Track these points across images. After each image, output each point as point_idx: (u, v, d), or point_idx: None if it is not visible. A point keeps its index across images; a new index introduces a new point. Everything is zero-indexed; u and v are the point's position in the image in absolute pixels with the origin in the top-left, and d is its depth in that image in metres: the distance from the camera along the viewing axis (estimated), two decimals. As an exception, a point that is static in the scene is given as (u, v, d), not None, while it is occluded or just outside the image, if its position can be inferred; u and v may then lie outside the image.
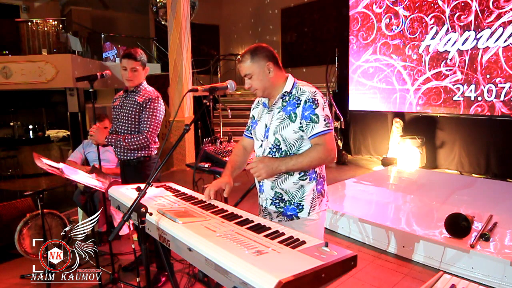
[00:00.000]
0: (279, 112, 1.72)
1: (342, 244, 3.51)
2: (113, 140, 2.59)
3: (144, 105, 2.63)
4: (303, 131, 1.66)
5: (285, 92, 1.73)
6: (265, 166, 1.61)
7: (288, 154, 1.70)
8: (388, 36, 7.00)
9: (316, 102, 1.65)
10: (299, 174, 1.70)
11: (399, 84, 6.89)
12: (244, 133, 2.01)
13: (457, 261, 2.87)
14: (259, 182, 1.81)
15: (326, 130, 1.65)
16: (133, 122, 2.65)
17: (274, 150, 1.73)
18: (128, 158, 2.69)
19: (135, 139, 2.59)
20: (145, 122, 2.62)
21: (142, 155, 2.68)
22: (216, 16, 11.97)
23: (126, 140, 2.58)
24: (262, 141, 1.80)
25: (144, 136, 2.60)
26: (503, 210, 3.72)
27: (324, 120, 1.65)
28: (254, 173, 1.62)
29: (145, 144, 2.62)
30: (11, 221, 3.29)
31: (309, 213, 1.72)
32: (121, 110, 2.69)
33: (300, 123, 1.66)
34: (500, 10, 5.47)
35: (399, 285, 2.79)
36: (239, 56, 1.75)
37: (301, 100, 1.67)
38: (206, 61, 10.02)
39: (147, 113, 2.63)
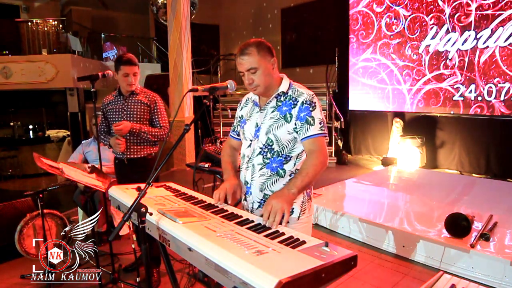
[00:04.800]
0: (273, 111, 1.68)
1: (342, 244, 3.51)
2: (137, 130, 2.69)
3: (152, 105, 2.81)
4: (297, 132, 1.63)
5: (281, 91, 1.69)
6: (277, 200, 1.47)
7: (281, 154, 1.66)
8: (388, 36, 7.00)
9: (313, 104, 1.64)
10: (290, 175, 1.66)
11: (399, 84, 6.89)
12: (230, 134, 1.95)
13: (457, 261, 2.87)
14: (246, 184, 1.74)
15: (321, 133, 1.63)
16: (143, 122, 2.77)
17: (266, 150, 1.67)
18: (134, 156, 2.76)
19: (159, 132, 2.77)
20: (160, 119, 2.83)
21: (149, 152, 2.80)
22: (216, 16, 11.96)
23: (151, 133, 2.72)
24: (251, 140, 1.74)
25: (166, 131, 2.80)
26: (503, 210, 3.72)
27: (320, 123, 1.63)
28: (275, 212, 1.43)
29: (164, 137, 2.81)
30: (11, 221, 3.29)
31: (299, 216, 1.67)
32: (125, 112, 2.75)
33: (295, 124, 1.63)
34: (499, 11, 5.47)
35: (399, 285, 2.79)
36: (242, 49, 1.62)
37: (298, 101, 1.64)
38: (206, 61, 10.01)
39: (159, 112, 2.83)
